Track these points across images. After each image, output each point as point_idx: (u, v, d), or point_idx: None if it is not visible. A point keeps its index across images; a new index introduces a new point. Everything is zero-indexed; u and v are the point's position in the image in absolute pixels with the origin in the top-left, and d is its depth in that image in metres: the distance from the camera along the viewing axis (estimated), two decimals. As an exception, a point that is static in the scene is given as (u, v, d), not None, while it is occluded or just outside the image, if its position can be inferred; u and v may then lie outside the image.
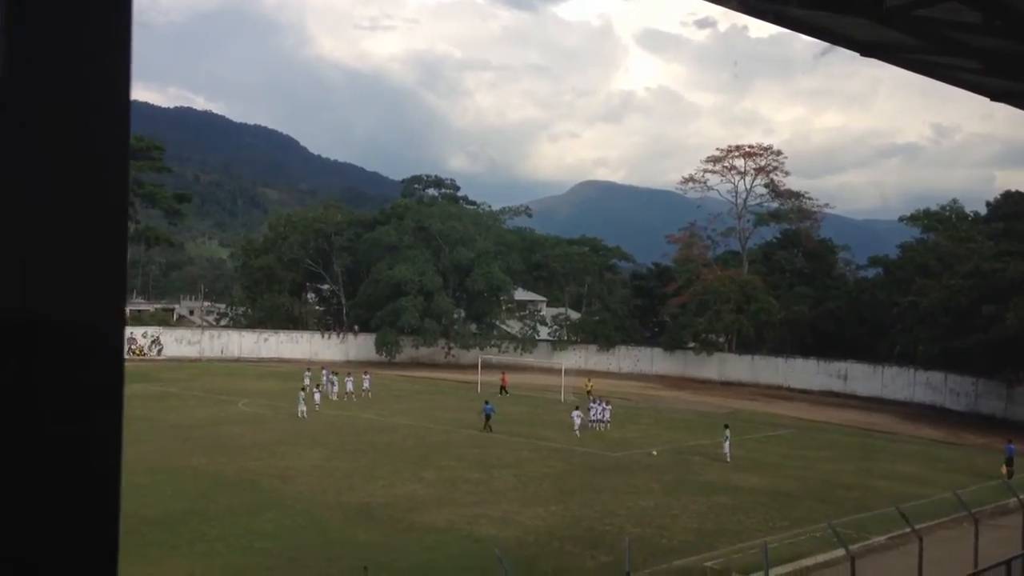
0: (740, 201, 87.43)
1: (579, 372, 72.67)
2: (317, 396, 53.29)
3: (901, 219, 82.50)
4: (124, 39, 1.40)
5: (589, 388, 62.42)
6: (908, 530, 25.10)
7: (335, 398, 56.92)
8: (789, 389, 75.48)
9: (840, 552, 24.08)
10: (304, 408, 50.49)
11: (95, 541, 1.40)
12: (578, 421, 48.75)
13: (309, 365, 68.01)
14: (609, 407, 51.57)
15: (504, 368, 72.04)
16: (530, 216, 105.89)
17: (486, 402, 49.45)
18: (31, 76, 1.33)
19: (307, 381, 56.65)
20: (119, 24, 1.40)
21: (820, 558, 26.23)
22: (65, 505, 1.36)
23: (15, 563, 1.34)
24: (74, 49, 1.35)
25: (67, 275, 1.35)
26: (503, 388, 65.10)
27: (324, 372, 61.19)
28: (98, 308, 1.38)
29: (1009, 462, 40.87)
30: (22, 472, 1.33)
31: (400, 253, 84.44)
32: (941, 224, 77.23)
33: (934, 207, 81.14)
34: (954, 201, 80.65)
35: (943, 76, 12.75)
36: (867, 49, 11.02)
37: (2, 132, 1.33)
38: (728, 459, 41.60)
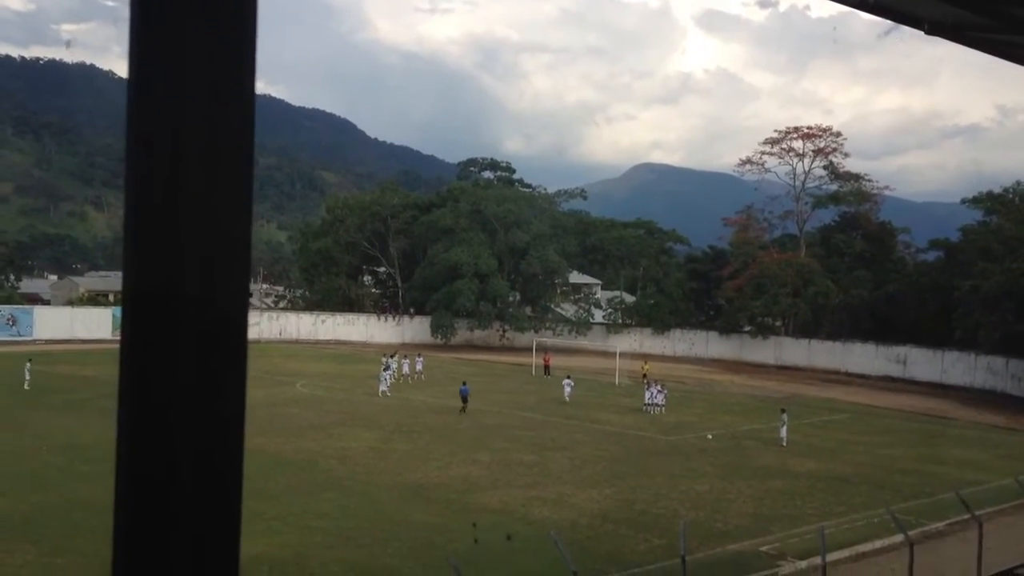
0: (798, 183, 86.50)
1: (634, 355, 72.52)
2: (386, 379, 54.27)
3: (963, 201, 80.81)
4: (250, 42, 1.45)
5: (646, 371, 62.26)
6: (967, 516, 24.71)
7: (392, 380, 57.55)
8: (847, 374, 74.71)
9: (899, 538, 23.80)
10: (385, 388, 52.50)
11: (222, 503, 1.47)
12: (568, 390, 52.55)
13: (397, 350, 68.19)
14: (664, 390, 51.43)
15: (558, 351, 72.08)
16: (585, 199, 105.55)
17: (463, 383, 48.97)
18: (162, 77, 1.40)
19: (393, 364, 57.96)
20: (246, 26, 1.45)
21: (878, 544, 25.96)
22: (197, 466, 1.44)
23: (150, 526, 1.42)
24: (203, 51, 1.41)
25: (203, 258, 1.42)
26: (546, 369, 65.35)
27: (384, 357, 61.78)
28: (227, 289, 1.45)
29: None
30: (161, 436, 1.41)
31: (456, 236, 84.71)
32: (1004, 207, 75.54)
33: (997, 189, 79.52)
34: (1018, 183, 78.86)
35: (1009, 55, 12.51)
36: (932, 28, 10.84)
37: (142, 130, 1.41)
38: (784, 443, 41.30)
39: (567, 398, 52.08)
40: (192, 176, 1.40)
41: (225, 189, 1.44)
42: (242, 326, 1.47)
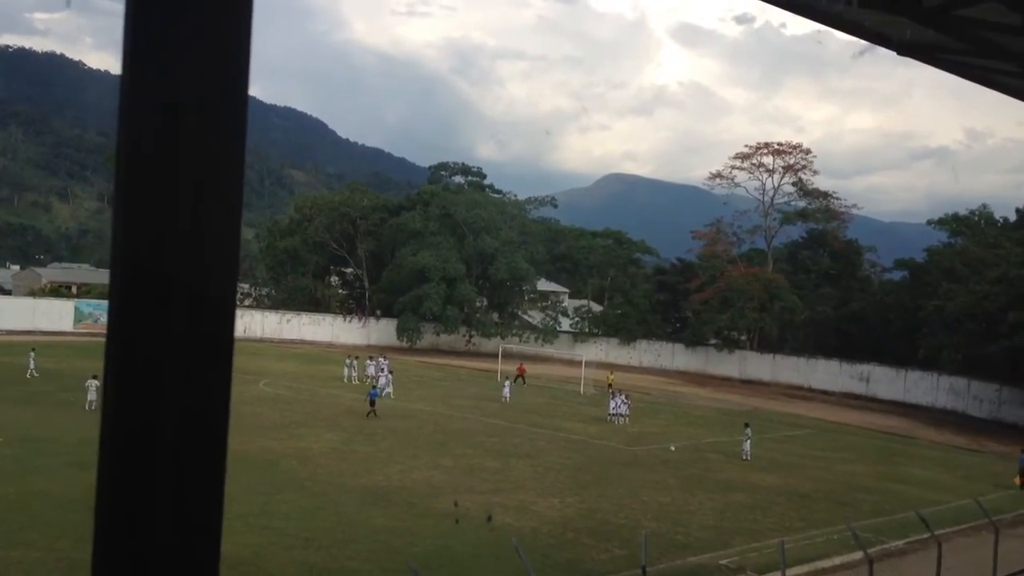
0: (767, 199, 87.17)
1: (599, 365, 72.64)
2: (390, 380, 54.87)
3: (929, 222, 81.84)
4: (245, 36, 1.44)
5: (611, 380, 62.37)
6: (927, 535, 24.89)
7: (356, 382, 57.42)
8: (810, 389, 75.21)
9: (858, 555, 23.93)
10: (390, 389, 53.00)
11: (204, 487, 1.48)
12: (506, 390, 55.61)
13: (384, 353, 68.20)
14: (629, 401, 51.52)
15: (524, 358, 72.02)
16: (555, 207, 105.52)
17: (372, 387, 49.23)
18: (156, 64, 1.41)
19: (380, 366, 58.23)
20: (240, 22, 1.44)
21: (837, 560, 26.10)
22: (180, 446, 1.44)
23: (130, 505, 1.42)
24: (198, 39, 1.43)
25: (194, 245, 1.43)
26: (520, 377, 65.02)
27: (347, 358, 61.66)
28: (218, 275, 1.46)
29: (1023, 472, 40.39)
30: (147, 420, 1.42)
31: (424, 239, 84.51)
32: (969, 229, 76.59)
33: (963, 211, 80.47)
34: (983, 206, 79.96)
35: (980, 79, 12.62)
36: (905, 49, 10.90)
37: (135, 123, 1.42)
38: (747, 457, 41.48)
39: (503, 398, 54.53)
40: (184, 163, 1.40)
41: (217, 178, 1.43)
42: (230, 311, 1.49)
